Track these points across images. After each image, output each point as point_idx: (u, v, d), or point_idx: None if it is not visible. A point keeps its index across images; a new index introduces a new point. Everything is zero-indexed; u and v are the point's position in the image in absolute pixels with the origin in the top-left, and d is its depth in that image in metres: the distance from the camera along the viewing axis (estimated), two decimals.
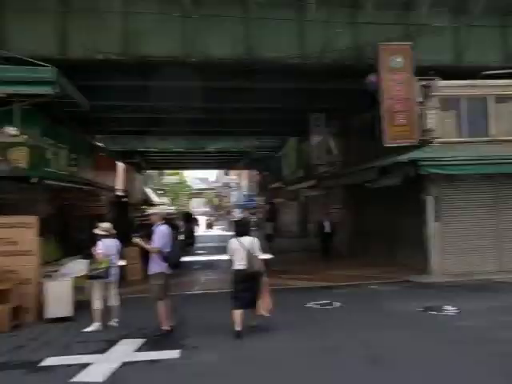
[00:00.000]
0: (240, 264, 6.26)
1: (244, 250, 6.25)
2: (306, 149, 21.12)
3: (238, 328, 6.13)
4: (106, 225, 7.43)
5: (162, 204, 34.56)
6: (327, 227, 15.40)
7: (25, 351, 5.85)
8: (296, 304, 8.23)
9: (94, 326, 6.85)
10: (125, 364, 5.18)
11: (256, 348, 5.77)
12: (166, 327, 6.43)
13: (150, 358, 5.38)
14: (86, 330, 6.79)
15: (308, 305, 8.15)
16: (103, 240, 7.12)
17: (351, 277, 11.36)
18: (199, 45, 10.82)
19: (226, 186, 55.22)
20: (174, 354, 5.51)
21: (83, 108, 10.43)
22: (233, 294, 6.37)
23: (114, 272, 7.10)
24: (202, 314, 7.73)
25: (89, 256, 7.35)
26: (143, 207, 27.29)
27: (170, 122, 17.89)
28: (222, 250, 20.27)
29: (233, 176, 51.83)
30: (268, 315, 6.42)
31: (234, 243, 6.41)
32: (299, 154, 23.59)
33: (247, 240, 6.40)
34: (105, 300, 7.06)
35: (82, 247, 15.47)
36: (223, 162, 33.17)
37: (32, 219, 7.81)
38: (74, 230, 17.70)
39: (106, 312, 7.04)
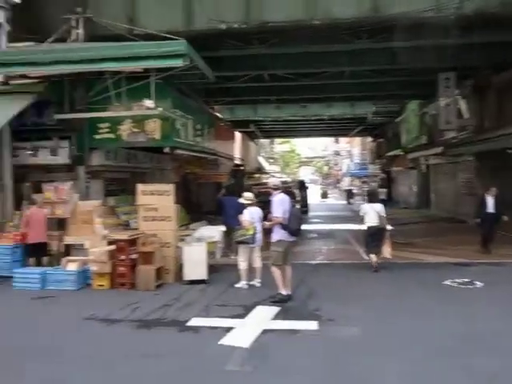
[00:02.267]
0: (372, 222, 8.59)
1: (375, 212, 8.60)
2: (430, 113, 19.45)
3: (375, 265, 8.50)
4: (249, 194, 7.82)
5: (274, 172, 35.10)
6: (490, 206, 10.51)
7: (171, 310, 6.28)
8: (433, 281, 7.70)
9: (241, 284, 7.51)
10: (265, 331, 5.27)
11: (399, 324, 5.51)
12: (283, 291, 6.57)
13: (288, 328, 5.41)
14: (235, 285, 7.50)
15: (445, 282, 7.55)
16: (248, 208, 7.55)
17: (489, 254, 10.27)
18: (322, 5, 10.31)
19: (337, 154, 54.11)
20: (312, 325, 5.47)
21: (209, 79, 10.68)
22: (366, 242, 8.88)
23: (258, 237, 7.45)
24: (330, 285, 7.65)
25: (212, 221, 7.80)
26: (257, 175, 27.99)
27: (285, 90, 17.79)
28: (337, 219, 20.06)
29: (344, 144, 50.48)
30: (390, 257, 8.59)
31: (367, 206, 8.86)
32: (422, 119, 21.86)
33: (377, 205, 8.77)
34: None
35: (204, 213, 16.46)
36: (337, 129, 32.37)
37: (169, 187, 8.31)
38: (196, 196, 18.88)
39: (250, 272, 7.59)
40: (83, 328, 5.69)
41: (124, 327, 5.63)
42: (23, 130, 9.76)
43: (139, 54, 8.42)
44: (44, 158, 9.87)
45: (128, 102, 9.60)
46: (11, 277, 8.03)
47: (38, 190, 9.70)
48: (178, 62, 8.40)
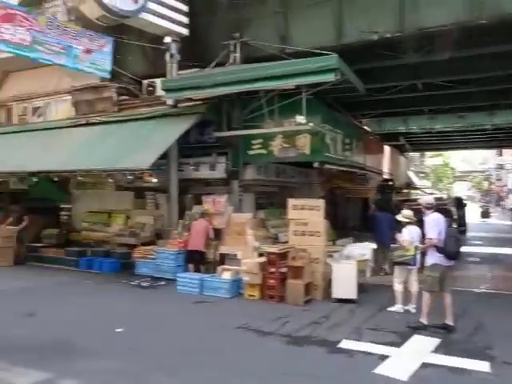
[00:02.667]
0: None
1: None
2: None
3: None
4: (408, 212, 7.34)
5: (425, 188, 32.67)
6: None
7: (321, 328, 6.16)
8: None
9: (396, 308, 7.07)
10: (425, 365, 4.77)
11: None
12: (424, 321, 6.02)
13: (453, 365, 4.79)
14: (389, 309, 7.07)
15: None
16: (407, 227, 7.08)
17: None
18: (490, 2, 9.24)
19: (500, 167, 48.02)
20: (482, 366, 4.76)
21: (360, 92, 10.43)
22: None
23: (418, 259, 6.93)
24: (501, 319, 6.62)
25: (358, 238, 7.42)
26: (405, 191, 26.35)
27: (440, 99, 16.42)
28: (502, 241, 17.59)
29: (509, 156, 44.58)
30: None
31: None
32: None
33: None
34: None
35: (350, 229, 16.04)
36: (501, 140, 28.70)
37: (320, 202, 8.28)
38: (342, 212, 18.56)
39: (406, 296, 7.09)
40: (236, 337, 5.92)
41: (275, 341, 5.68)
42: (187, 147, 10.80)
43: (293, 71, 8.65)
44: (204, 172, 10.76)
45: (279, 119, 9.93)
46: (175, 280, 8.91)
47: (198, 202, 10.61)
48: (329, 77, 8.38)
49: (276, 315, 6.75)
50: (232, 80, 9.35)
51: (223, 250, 9.46)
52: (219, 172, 10.63)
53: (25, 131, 12.93)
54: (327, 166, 10.99)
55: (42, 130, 12.54)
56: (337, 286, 7.61)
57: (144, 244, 10.71)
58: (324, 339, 5.66)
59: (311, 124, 9.36)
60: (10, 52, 8.52)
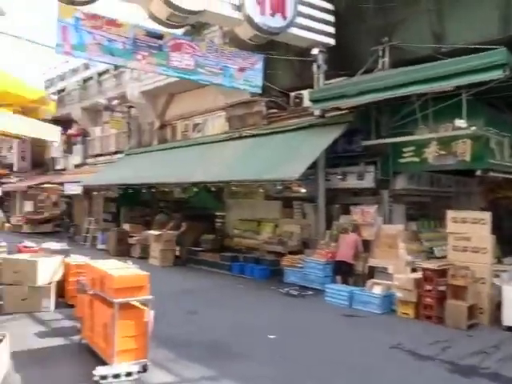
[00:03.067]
0: None
1: None
2: None
3: None
4: None
5: None
6: None
7: (491, 360, 5.45)
8: None
9: None
10: None
11: None
12: None
13: None
14: None
15: None
16: None
17: None
18: None
19: None
20: None
21: None
22: None
23: None
24: None
25: None
26: None
27: None
28: None
29: None
30: None
31: None
32: None
33: None
34: None
35: None
36: None
37: (485, 215, 7.41)
38: (508, 225, 16.31)
39: None
40: (390, 356, 5.60)
41: (435, 367, 5.21)
42: (335, 156, 10.72)
43: (454, 70, 7.94)
44: (352, 182, 10.54)
45: (434, 124, 9.20)
46: (323, 290, 8.89)
47: (346, 212, 10.44)
48: (497, 74, 7.46)
49: (434, 338, 6.21)
50: (381, 86, 8.98)
51: (372, 262, 9.10)
52: (368, 181, 10.30)
53: (187, 146, 14.40)
54: (492, 174, 9.76)
55: (200, 144, 13.82)
56: (508, 311, 6.67)
57: (291, 252, 10.94)
58: (496, 373, 4.98)
59: (473, 128, 8.45)
60: (178, 77, 9.59)
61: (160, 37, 9.01)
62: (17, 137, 7.60)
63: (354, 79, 10.05)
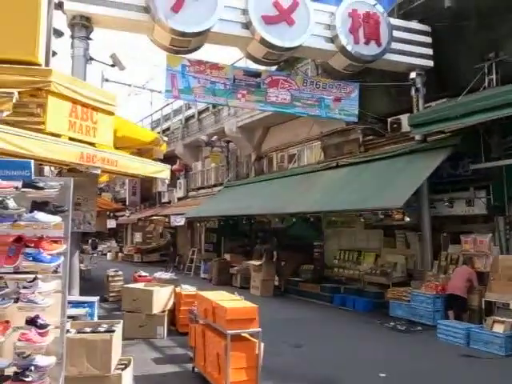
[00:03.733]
0: None
1: None
2: None
3: None
4: None
5: None
6: None
7: None
8: None
9: None
10: None
11: None
12: None
13: None
14: None
15: None
16: None
17: None
18: None
19: None
20: None
21: None
22: None
23: None
24: None
25: None
26: None
27: None
28: None
29: None
30: None
31: None
32: None
33: None
34: None
35: None
36: None
37: None
38: None
39: None
40: None
41: None
42: (439, 182, 10.15)
43: None
44: (460, 208, 9.84)
45: None
46: (433, 326, 8.29)
47: (454, 241, 9.74)
48: None
49: None
50: (491, 105, 8.40)
51: (490, 297, 8.29)
52: (479, 208, 9.54)
53: (283, 177, 14.66)
54: None
55: (297, 174, 13.98)
56: None
57: (396, 284, 10.44)
58: None
59: None
60: (275, 111, 9.94)
61: (257, 75, 9.49)
62: (133, 176, 8.37)
63: (458, 100, 9.54)
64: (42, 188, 3.38)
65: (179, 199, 22.75)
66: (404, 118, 11.17)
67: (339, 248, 13.31)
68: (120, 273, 11.64)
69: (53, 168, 7.89)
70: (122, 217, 27.79)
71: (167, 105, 23.78)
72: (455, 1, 9.80)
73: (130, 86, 19.20)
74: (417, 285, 9.69)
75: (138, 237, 29.20)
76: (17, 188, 3.34)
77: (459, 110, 8.90)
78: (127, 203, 27.74)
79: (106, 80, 15.51)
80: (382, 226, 11.79)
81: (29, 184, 3.38)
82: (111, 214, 25.68)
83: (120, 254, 27.37)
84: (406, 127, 11.06)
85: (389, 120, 12.10)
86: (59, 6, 7.93)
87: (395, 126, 11.91)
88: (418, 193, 9.76)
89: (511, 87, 8.50)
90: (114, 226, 26.77)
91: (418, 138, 10.54)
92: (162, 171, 7.47)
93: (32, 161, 3.58)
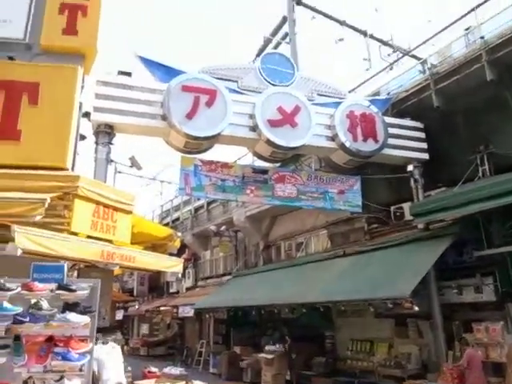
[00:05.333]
0: None
1: None
2: None
3: None
4: None
5: None
6: None
7: None
8: None
9: None
10: None
11: None
12: None
13: None
14: None
15: None
16: None
17: None
18: None
19: None
20: None
21: None
22: None
23: None
24: None
25: None
26: None
27: None
28: None
29: None
30: None
31: None
32: None
33: None
34: None
35: None
36: None
37: None
38: None
39: None
40: None
41: None
42: (446, 268, 10.30)
43: None
44: (469, 296, 9.89)
45: None
46: None
47: (467, 329, 9.64)
48: None
49: None
50: (486, 195, 8.88)
51: None
52: (487, 295, 9.59)
53: (291, 266, 14.84)
54: None
55: (305, 263, 14.17)
56: None
57: (411, 377, 10.12)
58: None
59: None
60: (282, 205, 10.50)
61: (265, 171, 10.19)
62: (148, 270, 8.68)
63: (455, 190, 10.06)
64: (74, 290, 3.72)
65: (188, 289, 22.66)
66: (406, 207, 11.64)
67: (351, 338, 13.05)
68: (129, 368, 11.39)
69: (68, 262, 8.29)
70: (132, 307, 27.42)
71: (177, 196, 24.71)
72: (443, 101, 10.78)
73: (141, 177, 20.21)
74: (433, 378, 9.42)
75: (144, 328, 28.50)
76: (52, 290, 3.69)
77: (457, 200, 9.38)
78: (135, 293, 27.52)
79: (119, 172, 16.45)
80: (393, 315, 11.68)
81: (62, 286, 3.73)
82: (119, 306, 25.44)
83: (126, 348, 26.53)
84: (408, 215, 11.47)
85: (392, 208, 12.59)
86: (86, 115, 8.88)
87: (398, 214, 12.35)
88: (425, 280, 9.88)
89: (504, 177, 9.04)
90: (121, 317, 26.33)
91: (420, 226, 10.92)
92: (176, 265, 7.81)
93: (65, 264, 3.97)
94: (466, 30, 11.66)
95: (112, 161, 9.49)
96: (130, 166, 9.84)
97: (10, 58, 7.74)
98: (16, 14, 7.95)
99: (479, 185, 9.60)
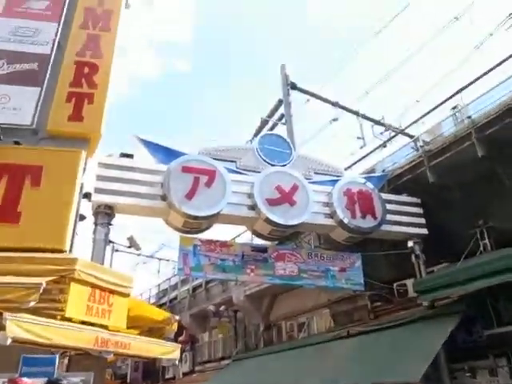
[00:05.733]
0: None
1: None
2: None
3: None
4: None
5: None
6: None
7: None
8: None
9: None
10: None
11: None
12: None
13: None
14: None
15: None
16: None
17: None
18: None
19: None
20: None
21: None
22: None
23: None
24: None
25: None
26: None
27: None
28: None
29: None
30: None
31: None
32: None
33: None
34: None
35: None
36: None
37: None
38: None
39: None
40: None
41: None
42: (456, 349, 9.82)
43: None
44: (484, 378, 9.34)
45: None
46: None
47: None
48: None
49: None
50: (490, 271, 8.75)
51: None
52: (503, 378, 9.07)
53: (293, 348, 14.16)
54: None
55: (307, 345, 13.54)
56: None
57: None
58: None
59: None
60: (283, 284, 10.29)
61: (264, 250, 10.10)
62: (141, 357, 8.25)
63: (458, 266, 9.92)
64: None
65: (185, 374, 21.41)
66: (409, 283, 11.39)
67: None
68: None
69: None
70: None
71: (175, 275, 24.25)
72: (437, 177, 10.97)
73: (139, 255, 19.94)
74: None
75: None
76: None
77: (461, 277, 9.21)
78: (128, 380, 25.97)
79: (116, 250, 16.20)
80: None
81: (53, 382, 3.50)
82: None
83: None
84: (412, 292, 11.19)
85: (395, 285, 12.30)
86: (86, 196, 8.96)
87: (402, 291, 12.04)
88: (435, 363, 9.38)
89: (506, 252, 8.96)
90: None
91: (425, 303, 10.60)
92: (173, 351, 7.45)
93: (57, 356, 3.77)
94: (453, 108, 12.24)
95: (111, 241, 9.42)
96: (129, 247, 9.75)
97: (16, 143, 8.01)
98: (26, 102, 8.37)
99: (482, 260, 9.49)
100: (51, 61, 8.86)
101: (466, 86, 11.28)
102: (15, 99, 8.34)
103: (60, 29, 9.27)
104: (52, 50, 8.97)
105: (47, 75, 8.70)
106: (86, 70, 8.81)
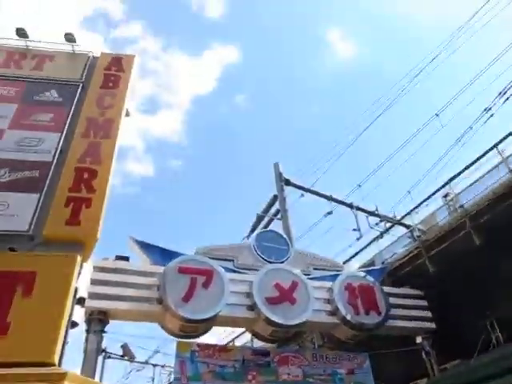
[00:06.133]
0: None
1: None
2: None
3: None
4: None
5: None
6: None
7: None
8: None
9: None
10: None
11: None
12: None
13: None
14: None
15: None
16: None
17: None
18: None
19: None
20: None
21: None
22: None
23: None
24: None
25: None
26: None
27: None
28: None
29: None
30: None
31: None
32: None
33: None
34: None
35: None
36: None
37: None
38: None
39: None
40: None
41: None
42: None
43: None
44: None
45: None
46: None
47: None
48: None
49: None
50: (506, 368, 8.22)
51: None
52: None
53: None
54: None
55: None
56: None
57: None
58: None
59: None
60: None
61: (266, 353, 9.53)
62: None
63: (472, 363, 9.35)
64: None
65: None
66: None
67: None
68: None
69: None
70: None
71: (171, 382, 22.58)
72: (438, 267, 10.80)
73: (131, 361, 18.73)
74: None
75: None
76: None
77: (476, 375, 8.63)
78: None
79: (109, 357, 15.13)
80: None
81: None
82: None
83: None
84: None
85: None
86: (79, 302, 8.63)
87: None
88: None
89: None
90: None
91: None
92: None
93: None
94: (445, 196, 12.45)
95: (104, 350, 8.89)
96: (122, 356, 9.18)
97: (11, 250, 7.91)
98: (25, 209, 8.42)
99: (496, 356, 8.97)
100: (52, 168, 9.08)
101: (454, 177, 11.63)
102: (14, 206, 8.39)
103: (62, 138, 9.62)
104: (54, 158, 9.23)
105: (47, 182, 8.87)
106: (86, 175, 8.99)
